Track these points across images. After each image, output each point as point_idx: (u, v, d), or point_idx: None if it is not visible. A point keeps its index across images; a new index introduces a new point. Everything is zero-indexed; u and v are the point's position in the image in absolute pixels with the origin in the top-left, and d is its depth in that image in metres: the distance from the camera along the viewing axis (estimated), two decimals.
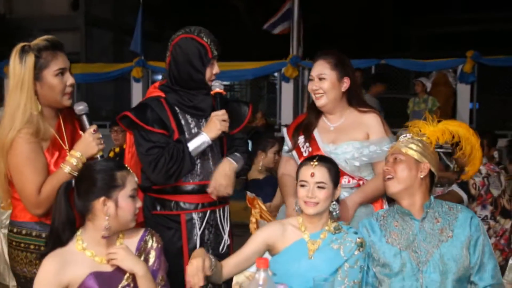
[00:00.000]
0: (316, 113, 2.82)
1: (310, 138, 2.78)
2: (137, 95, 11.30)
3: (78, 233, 2.11)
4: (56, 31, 17.00)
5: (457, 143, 2.47)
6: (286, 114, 10.26)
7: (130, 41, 10.98)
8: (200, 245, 2.62)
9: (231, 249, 2.74)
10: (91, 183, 2.04)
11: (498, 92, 10.93)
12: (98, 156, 2.34)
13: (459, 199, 4.04)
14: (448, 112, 9.83)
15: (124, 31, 15.98)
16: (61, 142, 2.37)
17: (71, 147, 2.35)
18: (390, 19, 16.97)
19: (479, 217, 4.07)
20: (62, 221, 2.08)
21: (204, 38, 2.55)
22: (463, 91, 9.57)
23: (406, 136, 2.44)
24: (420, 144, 2.40)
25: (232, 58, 9.29)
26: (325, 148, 2.73)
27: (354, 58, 5.14)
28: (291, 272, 2.27)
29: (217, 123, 2.52)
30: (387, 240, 2.38)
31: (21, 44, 2.31)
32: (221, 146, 2.67)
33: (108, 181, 2.03)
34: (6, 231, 4.25)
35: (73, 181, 2.11)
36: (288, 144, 2.89)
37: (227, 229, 2.72)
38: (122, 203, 2.05)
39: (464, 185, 4.04)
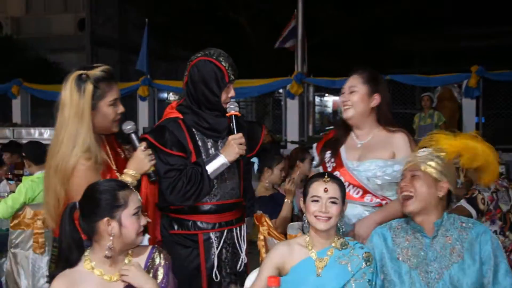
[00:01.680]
0: (344, 129, 2.83)
1: (336, 154, 2.79)
2: (143, 113, 11.37)
3: (86, 253, 2.12)
4: (62, 51, 17.27)
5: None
6: (292, 130, 10.30)
7: (136, 59, 11.07)
8: (218, 264, 2.64)
9: (248, 267, 2.75)
10: (94, 204, 2.06)
11: (503, 106, 10.93)
12: (151, 171, 2.45)
13: (468, 215, 4.01)
14: (454, 126, 9.80)
15: (130, 50, 16.14)
16: (110, 163, 2.46)
17: (116, 167, 2.44)
18: (393, 35, 17.01)
19: None
20: (68, 242, 2.09)
21: (223, 62, 2.59)
22: (468, 106, 9.59)
23: (424, 151, 2.38)
24: (439, 161, 2.33)
25: (237, 76, 9.32)
26: (348, 164, 2.73)
27: None
28: None
29: (235, 146, 2.54)
30: (398, 256, 2.35)
31: (77, 72, 2.35)
32: (238, 167, 2.70)
33: (110, 202, 2.05)
34: (15, 250, 4.35)
35: (77, 203, 2.12)
36: (316, 159, 2.91)
37: (244, 247, 2.74)
38: (126, 222, 2.06)
39: (472, 200, 4.02)
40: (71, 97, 2.32)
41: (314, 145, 2.99)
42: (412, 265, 2.31)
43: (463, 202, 4.05)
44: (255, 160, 4.52)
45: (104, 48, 17.27)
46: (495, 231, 4.07)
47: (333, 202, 2.30)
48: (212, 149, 2.63)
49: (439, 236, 2.32)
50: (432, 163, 2.33)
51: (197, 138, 2.63)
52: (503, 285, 2.23)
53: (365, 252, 2.32)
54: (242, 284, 2.65)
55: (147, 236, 2.53)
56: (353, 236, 2.55)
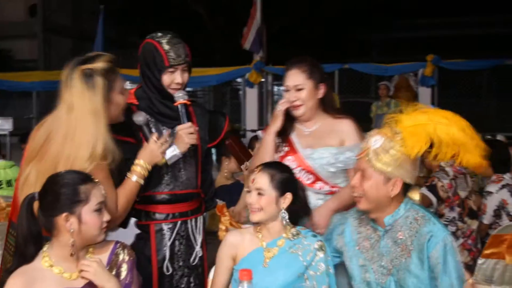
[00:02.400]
0: (290, 118, 2.77)
1: (287, 141, 2.75)
2: None
3: (44, 249, 2.01)
4: (13, 38, 16.70)
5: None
6: (251, 119, 10.27)
7: (90, 47, 10.77)
8: (170, 256, 2.55)
9: (205, 260, 2.68)
10: (54, 198, 1.94)
11: (456, 94, 11.20)
12: (163, 163, 2.39)
13: (429, 202, 4.07)
14: None
15: (84, 38, 15.72)
16: None
17: None
18: (352, 24, 17.17)
19: (447, 218, 4.12)
20: (25, 236, 1.97)
21: (164, 45, 2.47)
22: (424, 94, 9.76)
23: (377, 140, 2.16)
24: (392, 156, 2.11)
25: (195, 64, 9.20)
26: (303, 152, 2.69)
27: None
28: None
29: (183, 137, 2.44)
30: (358, 246, 2.30)
31: (80, 67, 2.19)
32: (195, 157, 2.61)
33: (70, 196, 1.93)
34: None
35: (36, 194, 2.00)
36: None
37: (199, 240, 2.64)
38: (86, 218, 1.95)
39: (433, 188, 4.07)
40: (82, 95, 2.16)
41: (259, 132, 2.90)
42: (368, 256, 2.26)
43: (424, 190, 4.11)
44: (213, 150, 4.45)
45: (57, 35, 16.76)
46: (454, 217, 4.14)
47: (259, 194, 2.24)
48: (169, 137, 2.52)
49: (391, 231, 2.21)
50: (387, 160, 2.11)
51: (151, 126, 2.52)
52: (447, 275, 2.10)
53: (318, 241, 2.26)
54: (196, 277, 2.60)
55: (133, 220, 2.48)
56: (311, 226, 2.51)
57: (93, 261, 1.97)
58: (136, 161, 2.33)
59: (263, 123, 10.37)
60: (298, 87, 2.67)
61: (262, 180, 2.25)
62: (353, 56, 13.59)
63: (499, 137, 6.57)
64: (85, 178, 1.99)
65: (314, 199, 2.62)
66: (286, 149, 2.72)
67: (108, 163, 2.18)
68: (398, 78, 9.99)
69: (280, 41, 14.45)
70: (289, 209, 2.27)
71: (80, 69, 2.18)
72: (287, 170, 2.36)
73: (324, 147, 2.67)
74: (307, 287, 2.21)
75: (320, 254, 2.24)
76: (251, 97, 10.39)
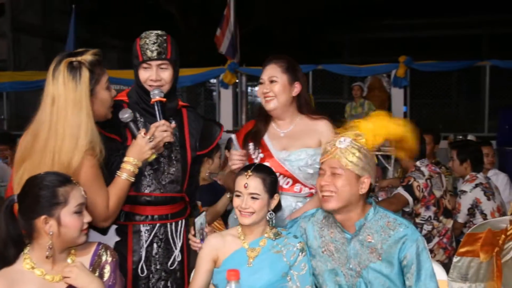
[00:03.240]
0: (265, 120, 2.77)
1: (260, 145, 2.73)
2: None
3: (26, 251, 1.98)
4: None
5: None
6: (226, 120, 10.22)
7: (61, 47, 10.61)
8: (146, 259, 2.53)
9: (185, 265, 2.65)
10: (32, 200, 1.92)
11: (427, 95, 11.36)
12: (153, 159, 2.37)
13: (405, 202, 4.12)
14: None
15: (54, 38, 15.46)
16: None
17: None
18: (325, 25, 17.28)
19: (423, 218, 4.17)
20: (4, 238, 1.94)
21: (141, 41, 2.46)
22: (397, 95, 9.87)
23: (344, 140, 2.21)
24: (361, 155, 2.17)
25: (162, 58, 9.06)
26: (278, 155, 2.68)
27: None
28: None
29: (156, 135, 2.40)
30: (323, 250, 2.30)
31: (67, 59, 2.17)
32: (183, 161, 2.58)
33: (49, 199, 1.91)
34: None
35: (16, 197, 1.96)
36: (237, 149, 2.78)
37: (179, 244, 2.61)
38: (65, 221, 1.93)
39: (409, 188, 4.11)
40: (66, 86, 2.14)
41: (233, 136, 2.84)
42: (335, 259, 2.26)
43: (400, 190, 4.15)
44: None
45: (26, 35, 16.44)
46: (429, 217, 4.20)
47: (253, 198, 2.27)
48: None
49: (360, 234, 2.23)
50: (353, 158, 2.17)
51: (139, 124, 2.50)
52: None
53: (299, 242, 2.30)
54: (175, 280, 2.58)
55: (114, 227, 2.44)
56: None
57: (74, 266, 1.95)
58: (125, 159, 2.31)
59: (238, 124, 10.36)
60: (271, 79, 2.67)
61: (255, 185, 2.27)
62: (325, 57, 13.68)
63: (470, 137, 6.70)
64: (64, 180, 1.97)
65: (293, 203, 2.64)
66: (261, 155, 2.70)
67: (97, 157, 2.16)
68: (371, 79, 10.09)
69: (254, 42, 14.45)
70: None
71: (66, 61, 2.16)
72: (272, 172, 2.38)
73: (301, 148, 2.66)
74: (290, 287, 2.24)
75: (303, 254, 2.28)
76: (225, 98, 10.37)
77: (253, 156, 2.73)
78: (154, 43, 2.45)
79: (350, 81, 10.74)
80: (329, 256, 2.28)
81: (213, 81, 11.58)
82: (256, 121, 2.83)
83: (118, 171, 2.29)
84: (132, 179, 2.31)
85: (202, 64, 10.72)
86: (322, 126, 2.70)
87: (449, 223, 4.25)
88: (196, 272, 2.37)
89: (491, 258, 3.76)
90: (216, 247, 2.33)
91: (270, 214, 2.32)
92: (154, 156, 2.38)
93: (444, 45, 15.75)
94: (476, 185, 4.27)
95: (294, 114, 2.74)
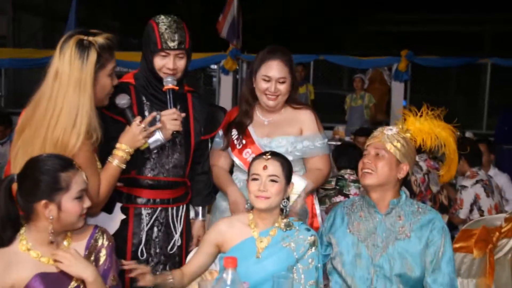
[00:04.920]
0: (249, 109, 2.77)
1: (243, 132, 2.74)
2: None
3: (22, 231, 1.96)
4: None
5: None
6: (225, 106, 10.10)
7: (61, 27, 10.50)
8: (147, 242, 2.54)
9: (184, 249, 2.65)
10: (33, 184, 1.89)
11: (427, 90, 11.34)
12: (145, 148, 2.35)
13: None
14: (383, 108, 10.10)
15: (55, 18, 15.34)
16: None
17: None
18: (328, 17, 17.20)
19: None
20: (2, 218, 1.92)
21: (160, 27, 2.43)
22: (397, 89, 9.84)
23: (392, 129, 2.39)
24: (404, 144, 2.36)
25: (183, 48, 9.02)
26: (260, 141, 2.71)
27: (292, 53, 5.15)
28: (239, 272, 2.20)
29: (165, 122, 2.40)
30: (349, 229, 2.39)
31: (77, 36, 2.12)
32: (186, 145, 2.57)
33: (50, 184, 1.88)
34: None
35: (15, 176, 1.94)
36: (219, 136, 2.82)
37: (179, 228, 2.62)
38: (66, 206, 1.90)
39: (406, 182, 4.12)
40: (72, 63, 2.09)
41: (217, 140, 2.86)
42: (361, 237, 2.35)
43: None
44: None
45: (27, 13, 16.32)
46: None
47: (272, 181, 2.22)
48: (159, 121, 2.49)
49: (392, 214, 2.36)
50: (398, 144, 2.35)
51: (145, 108, 2.50)
52: (444, 271, 2.29)
53: (311, 236, 2.27)
54: (174, 264, 2.59)
55: (119, 205, 2.44)
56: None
57: (67, 253, 1.91)
58: (118, 145, 2.28)
59: None
60: (281, 79, 2.66)
61: (275, 167, 2.24)
62: (327, 49, 13.63)
63: (467, 134, 6.71)
64: (67, 164, 1.94)
65: None
66: (244, 142, 2.72)
67: (93, 142, 2.13)
68: (372, 71, 10.06)
69: (256, 29, 14.38)
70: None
71: (77, 37, 2.12)
72: (288, 159, 2.37)
73: (283, 135, 2.69)
74: (294, 279, 2.19)
75: (313, 249, 2.25)
76: (225, 84, 10.31)
77: (236, 142, 2.74)
78: (175, 33, 2.43)
79: (350, 73, 10.71)
80: (354, 234, 2.37)
81: (213, 66, 11.52)
82: (240, 108, 2.81)
83: (109, 157, 2.26)
84: (123, 166, 2.27)
85: (203, 49, 10.65)
86: (304, 115, 2.75)
87: (445, 219, 4.26)
88: (197, 252, 2.37)
89: (484, 254, 3.78)
90: (223, 232, 2.31)
91: (284, 202, 2.28)
92: (146, 145, 2.36)
93: (445, 41, 15.70)
94: (477, 181, 4.28)
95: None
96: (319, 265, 2.27)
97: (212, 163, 2.81)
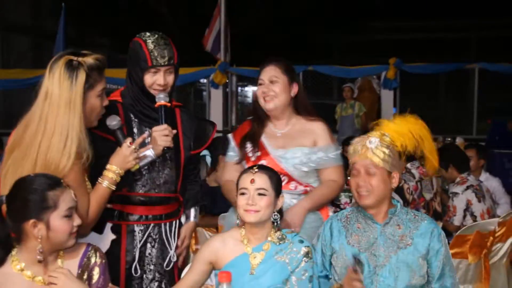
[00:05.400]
0: (261, 121, 2.81)
1: (257, 145, 2.77)
2: None
3: (14, 252, 1.95)
4: None
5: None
6: (216, 120, 10.05)
7: (50, 46, 10.50)
8: (140, 259, 2.52)
9: (176, 266, 2.64)
10: (21, 204, 1.88)
11: (417, 98, 11.41)
12: (135, 169, 2.35)
13: None
14: (374, 117, 10.13)
15: (44, 36, 15.34)
16: None
17: None
18: (315, 26, 17.30)
19: None
20: None
21: (149, 45, 2.45)
22: (387, 97, 9.91)
23: (373, 141, 2.35)
24: (389, 152, 2.35)
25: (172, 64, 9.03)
26: (275, 152, 2.73)
27: None
28: None
29: (156, 138, 2.40)
30: (348, 241, 2.38)
31: (67, 57, 2.13)
32: (176, 161, 2.58)
33: (38, 203, 1.88)
34: None
35: (4, 198, 1.93)
36: (234, 149, 2.85)
37: (174, 244, 2.61)
38: (54, 225, 1.90)
39: (399, 190, 4.13)
40: (61, 84, 2.10)
41: (229, 136, 2.92)
42: (362, 248, 2.34)
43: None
44: (206, 152, 4.38)
45: (15, 33, 16.30)
46: None
47: (260, 194, 2.20)
48: (149, 138, 2.49)
49: (390, 223, 2.36)
50: (385, 156, 2.34)
51: (133, 125, 2.51)
52: (448, 278, 2.34)
53: (305, 247, 2.25)
54: (169, 281, 2.57)
55: (109, 225, 2.44)
56: (286, 226, 2.51)
57: (61, 273, 1.90)
58: (108, 166, 2.27)
59: (228, 124, 10.35)
60: (272, 79, 2.72)
61: (262, 181, 2.22)
62: (315, 58, 13.70)
63: (458, 139, 6.75)
64: (54, 183, 1.93)
65: (288, 199, 2.64)
66: (258, 153, 2.74)
67: (83, 162, 2.13)
68: (361, 80, 10.11)
69: (245, 42, 14.43)
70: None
71: (67, 58, 2.13)
72: (276, 172, 2.36)
73: (297, 147, 2.71)
74: None
75: (306, 260, 2.22)
76: (215, 98, 10.34)
77: (250, 155, 2.76)
78: (164, 49, 2.45)
79: (339, 83, 10.76)
80: (354, 246, 2.36)
81: (203, 81, 11.55)
82: (252, 121, 2.86)
83: (99, 178, 2.26)
84: (113, 187, 2.27)
85: (192, 64, 10.68)
86: (318, 127, 2.77)
87: (439, 226, 4.27)
88: (190, 270, 2.35)
89: (479, 260, 3.79)
90: (216, 250, 2.29)
91: (275, 215, 2.25)
92: (137, 167, 2.36)
93: (432, 48, 15.82)
94: (467, 187, 4.29)
95: (291, 115, 2.80)
96: (314, 276, 2.25)
97: (226, 178, 2.83)
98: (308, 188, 2.72)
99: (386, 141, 2.36)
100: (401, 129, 2.41)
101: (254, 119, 2.84)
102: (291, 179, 2.69)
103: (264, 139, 2.78)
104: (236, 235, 2.30)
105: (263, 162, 2.66)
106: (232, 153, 2.86)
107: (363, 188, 2.32)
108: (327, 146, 2.74)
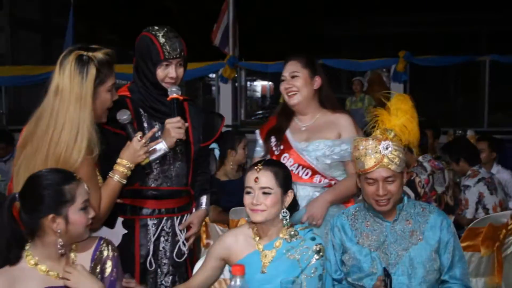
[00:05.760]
0: (287, 116, 2.83)
1: (282, 139, 2.78)
2: None
3: (27, 248, 1.96)
4: None
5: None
6: (225, 114, 10.08)
7: (59, 42, 10.57)
8: (154, 253, 2.54)
9: (194, 257, 2.66)
10: (37, 200, 1.89)
11: (426, 90, 11.37)
12: (146, 163, 2.35)
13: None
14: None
15: (53, 33, 15.43)
16: None
17: None
18: (324, 21, 17.25)
19: None
20: (7, 237, 1.92)
21: (160, 38, 2.46)
22: (397, 90, 9.83)
23: (387, 146, 2.25)
24: (400, 154, 2.28)
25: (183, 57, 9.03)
26: (297, 145, 2.73)
27: None
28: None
29: (170, 131, 2.42)
30: (358, 241, 2.34)
31: (77, 52, 2.14)
32: (187, 154, 2.58)
33: (55, 197, 1.89)
34: None
35: (17, 195, 1.94)
36: (260, 144, 2.88)
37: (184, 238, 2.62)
38: (73, 218, 1.91)
39: (411, 184, 4.12)
40: (72, 79, 2.11)
41: (257, 131, 2.95)
42: (372, 247, 2.31)
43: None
44: (215, 145, 4.39)
45: (25, 29, 16.39)
46: None
47: (265, 193, 2.16)
48: (160, 132, 2.50)
49: (399, 219, 2.33)
50: (400, 161, 2.26)
51: (143, 119, 2.51)
52: (458, 267, 2.31)
53: (316, 245, 2.21)
54: (181, 275, 2.58)
55: (120, 219, 2.44)
56: (307, 218, 2.51)
57: (75, 269, 1.91)
58: (119, 160, 2.28)
59: (237, 119, 10.34)
60: (293, 74, 2.73)
61: (267, 179, 2.17)
62: (324, 52, 13.68)
63: (469, 132, 6.70)
64: (68, 177, 1.95)
65: (311, 192, 2.65)
66: (281, 147, 2.75)
67: (94, 156, 2.14)
68: (371, 73, 10.06)
69: (253, 36, 14.42)
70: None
71: (77, 53, 2.14)
72: (285, 166, 2.34)
73: (320, 139, 2.70)
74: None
75: (317, 258, 2.20)
76: (224, 92, 10.34)
77: (274, 149, 2.77)
78: (175, 42, 2.47)
79: (349, 76, 10.72)
80: (364, 246, 2.33)
81: (212, 75, 11.56)
82: (278, 117, 2.87)
83: (110, 172, 2.27)
84: (124, 181, 2.27)
85: (201, 59, 10.68)
86: (343, 119, 2.75)
87: (451, 219, 4.25)
88: (202, 266, 2.35)
89: (492, 252, 3.77)
90: (228, 246, 2.28)
91: (284, 212, 2.21)
92: (147, 160, 2.36)
93: (443, 41, 15.75)
94: (479, 180, 4.27)
95: (316, 109, 2.79)
96: (324, 272, 2.24)
97: None
98: (333, 182, 2.70)
99: (395, 141, 2.29)
100: (403, 121, 2.33)
101: (281, 114, 2.86)
102: (315, 172, 2.68)
103: (288, 133, 2.78)
104: (247, 232, 2.29)
105: (286, 155, 2.69)
106: (259, 148, 2.89)
107: (383, 197, 2.25)
108: (351, 138, 2.66)
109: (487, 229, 3.72)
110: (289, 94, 2.74)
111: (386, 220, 2.33)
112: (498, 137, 5.34)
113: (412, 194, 4.10)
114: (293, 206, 2.30)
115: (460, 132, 7.17)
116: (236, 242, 2.27)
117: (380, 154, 2.24)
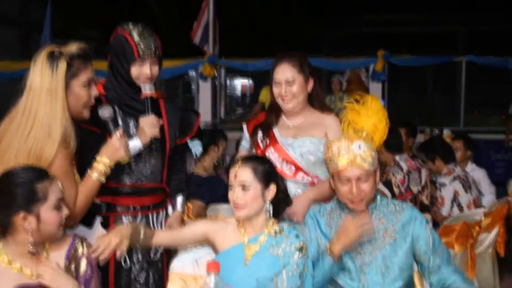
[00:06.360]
0: (276, 114, 2.83)
1: (268, 134, 2.79)
2: None
3: (0, 246, 1.94)
4: None
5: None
6: (205, 113, 10.15)
7: (37, 38, 10.42)
8: (129, 250, 2.51)
9: (165, 256, 2.65)
10: (9, 197, 1.88)
11: (405, 90, 11.46)
12: (126, 161, 2.34)
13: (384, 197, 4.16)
14: None
15: (31, 28, 15.20)
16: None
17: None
18: (303, 20, 17.28)
19: None
20: None
21: (134, 37, 2.46)
22: (375, 89, 9.92)
23: (359, 146, 2.28)
24: (373, 153, 2.30)
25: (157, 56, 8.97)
26: (283, 141, 2.75)
27: (269, 57, 5.19)
28: (226, 278, 2.14)
29: (144, 129, 2.43)
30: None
31: (49, 48, 2.15)
32: (162, 151, 2.58)
33: (27, 195, 1.88)
34: None
35: None
36: (247, 138, 2.90)
37: None
38: (45, 217, 1.90)
39: (388, 184, 4.17)
40: (42, 74, 2.12)
41: (244, 125, 2.95)
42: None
43: (380, 185, 4.18)
44: (197, 143, 4.40)
45: (1, 25, 16.13)
46: None
47: (244, 189, 2.19)
48: (134, 129, 2.51)
49: (372, 219, 2.33)
50: (373, 160, 2.29)
51: (118, 116, 2.51)
52: (440, 250, 2.33)
53: (299, 242, 2.24)
54: (156, 272, 2.59)
55: (99, 218, 2.44)
56: (290, 215, 2.53)
57: (49, 267, 1.91)
58: (98, 158, 2.27)
59: (216, 117, 10.33)
60: (289, 80, 2.69)
61: (245, 174, 2.20)
62: (303, 51, 13.79)
63: (446, 131, 6.79)
64: (41, 174, 1.93)
65: (294, 189, 2.66)
66: (267, 142, 2.76)
67: (70, 151, 2.12)
68: (350, 73, 10.11)
69: (233, 34, 14.39)
70: (272, 201, 2.25)
71: (48, 49, 2.14)
72: (267, 161, 2.35)
73: (306, 136, 2.72)
74: (275, 284, 2.15)
75: (299, 255, 2.21)
76: (204, 90, 10.30)
77: (260, 143, 2.78)
78: (150, 40, 2.47)
79: (328, 75, 10.76)
80: None
81: (192, 74, 11.51)
82: (267, 115, 2.88)
83: (89, 170, 2.26)
84: (103, 180, 2.27)
85: (181, 56, 10.63)
86: (331, 121, 2.76)
87: (427, 218, 4.30)
88: (189, 226, 2.38)
89: (465, 250, 3.84)
90: (217, 229, 2.30)
91: (267, 206, 2.24)
92: (127, 159, 2.36)
93: (421, 41, 15.89)
94: (454, 178, 4.34)
95: (305, 108, 2.81)
96: (306, 270, 2.25)
97: None
98: (315, 180, 2.72)
99: (368, 140, 2.31)
100: (373, 120, 2.36)
101: (270, 111, 2.86)
102: (298, 168, 2.70)
103: (275, 129, 2.80)
104: (235, 222, 2.32)
105: (271, 149, 2.71)
106: (245, 142, 2.91)
107: (356, 197, 2.27)
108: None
109: (461, 226, 3.79)
110: (285, 99, 2.73)
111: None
112: (473, 137, 5.42)
113: (389, 194, 4.14)
114: (285, 201, 2.33)
115: (436, 131, 7.26)
116: (225, 229, 2.30)
117: (353, 153, 2.26)
